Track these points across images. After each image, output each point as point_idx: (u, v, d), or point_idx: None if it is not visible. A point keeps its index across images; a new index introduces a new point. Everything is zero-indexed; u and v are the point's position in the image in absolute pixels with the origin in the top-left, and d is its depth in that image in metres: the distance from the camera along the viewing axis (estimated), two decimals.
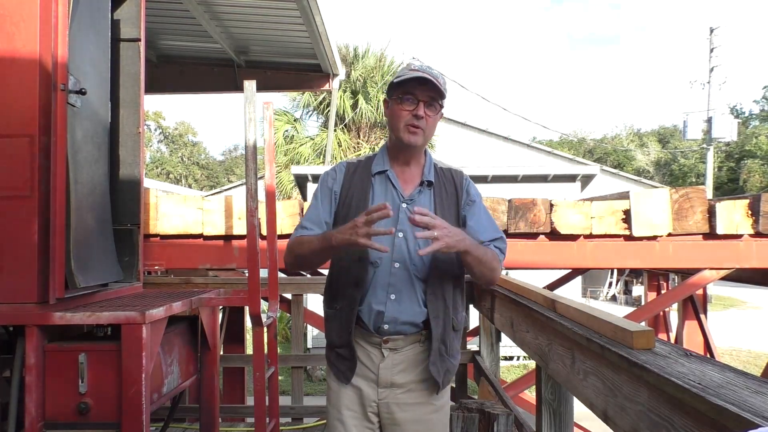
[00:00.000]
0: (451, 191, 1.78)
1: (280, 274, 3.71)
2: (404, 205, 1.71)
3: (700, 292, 4.78)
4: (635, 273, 16.77)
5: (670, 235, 3.58)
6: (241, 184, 17.61)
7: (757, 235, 3.54)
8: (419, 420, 1.73)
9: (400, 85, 1.67)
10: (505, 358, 11.51)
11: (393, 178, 1.74)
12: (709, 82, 21.86)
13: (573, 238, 3.66)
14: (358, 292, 1.67)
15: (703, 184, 22.90)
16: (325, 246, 1.61)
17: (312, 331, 11.22)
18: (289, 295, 3.91)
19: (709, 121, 21.15)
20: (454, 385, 3.82)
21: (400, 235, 1.68)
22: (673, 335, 5.49)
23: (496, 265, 1.72)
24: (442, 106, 1.71)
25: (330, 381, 1.80)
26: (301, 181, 12.87)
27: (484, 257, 1.66)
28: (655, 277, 5.71)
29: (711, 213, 3.54)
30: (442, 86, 1.66)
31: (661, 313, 5.38)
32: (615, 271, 18.82)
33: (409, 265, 1.68)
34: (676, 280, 5.19)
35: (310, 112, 16.75)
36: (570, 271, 5.27)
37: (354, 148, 15.53)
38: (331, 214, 1.76)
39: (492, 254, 1.71)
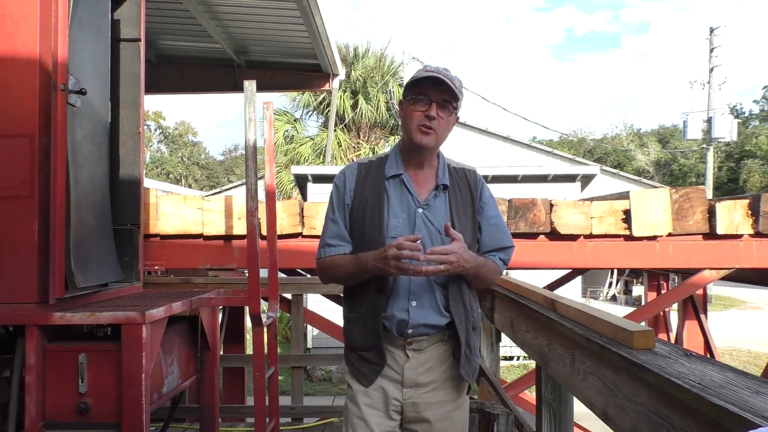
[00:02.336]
0: (466, 194, 1.77)
1: (280, 274, 3.71)
2: (420, 211, 1.70)
3: (700, 292, 4.78)
4: (635, 273, 16.77)
5: (670, 235, 3.58)
6: (241, 184, 17.60)
7: (757, 235, 3.54)
8: (444, 418, 1.74)
9: (415, 85, 1.66)
10: (505, 358, 11.51)
11: (408, 182, 1.72)
12: (709, 82, 21.84)
13: (573, 238, 3.66)
14: (381, 298, 1.68)
15: (703, 184, 22.90)
16: (362, 271, 1.66)
17: (312, 331, 11.22)
18: (289, 295, 3.91)
19: (709, 121, 21.14)
20: None
21: (418, 242, 1.67)
22: (673, 335, 5.49)
23: (492, 279, 1.80)
24: (456, 108, 1.70)
25: (350, 381, 1.78)
26: (301, 181, 12.86)
27: (484, 275, 1.74)
28: (655, 277, 5.71)
29: (711, 213, 3.54)
30: (458, 88, 1.65)
31: (661, 313, 5.37)
32: (615, 271, 18.81)
33: None
34: (676, 280, 5.19)
35: (310, 112, 16.77)
36: (570, 271, 5.27)
37: (354, 148, 15.53)
38: (348, 225, 1.76)
39: (491, 269, 1.77)
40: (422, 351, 1.71)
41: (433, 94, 1.65)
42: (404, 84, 1.77)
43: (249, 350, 4.12)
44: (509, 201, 3.59)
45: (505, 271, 3.69)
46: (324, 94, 14.50)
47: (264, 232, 2.98)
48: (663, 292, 5.62)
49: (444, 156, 1.82)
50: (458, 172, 1.79)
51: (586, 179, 12.75)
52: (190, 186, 38.64)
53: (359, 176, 1.76)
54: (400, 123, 1.81)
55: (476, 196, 1.77)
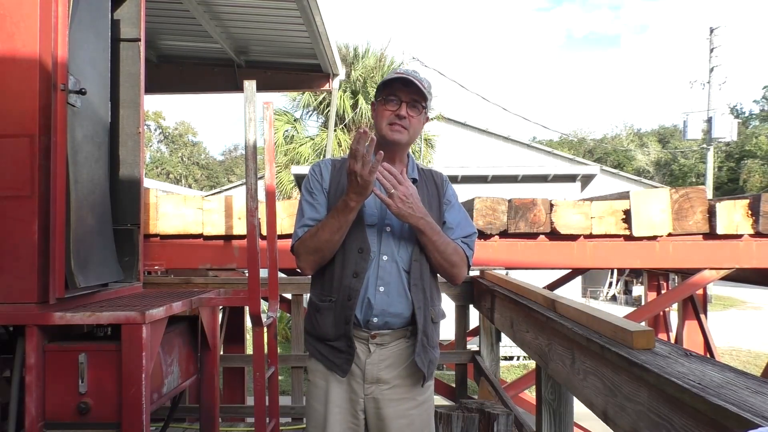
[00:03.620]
0: (433, 190, 1.85)
1: (280, 274, 3.71)
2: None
3: (700, 292, 4.78)
4: (635, 273, 16.77)
5: (670, 235, 3.58)
6: (241, 184, 17.60)
7: (757, 235, 3.54)
8: (403, 415, 1.75)
9: (385, 87, 1.74)
10: (505, 358, 11.51)
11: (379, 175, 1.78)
12: (709, 82, 21.86)
13: (573, 238, 3.66)
14: (358, 283, 1.70)
15: (703, 184, 22.90)
16: (343, 214, 1.63)
17: None
18: (289, 295, 3.91)
19: (709, 121, 21.15)
20: (453, 386, 3.83)
21: (388, 229, 1.74)
22: (673, 335, 5.49)
23: (456, 260, 1.76)
24: (425, 108, 1.77)
25: (315, 378, 1.80)
26: (301, 181, 12.87)
27: (441, 245, 1.71)
28: (655, 277, 5.71)
29: (711, 213, 3.54)
30: (426, 89, 1.73)
31: (661, 313, 5.37)
32: (615, 271, 18.82)
33: (396, 257, 1.73)
34: (676, 280, 5.19)
35: (310, 112, 16.75)
36: (570, 271, 5.27)
37: None
38: (326, 210, 1.77)
39: (453, 248, 1.75)
40: (385, 346, 1.74)
41: (403, 94, 1.72)
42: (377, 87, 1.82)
43: (249, 350, 4.12)
44: (509, 201, 3.59)
45: (505, 271, 3.71)
46: (324, 94, 14.50)
47: (264, 232, 2.98)
48: (663, 292, 5.62)
49: (413, 157, 1.91)
50: (426, 172, 1.89)
51: (586, 179, 12.77)
52: (190, 186, 38.66)
53: (333, 169, 1.82)
54: (372, 122, 1.86)
55: (442, 193, 1.85)
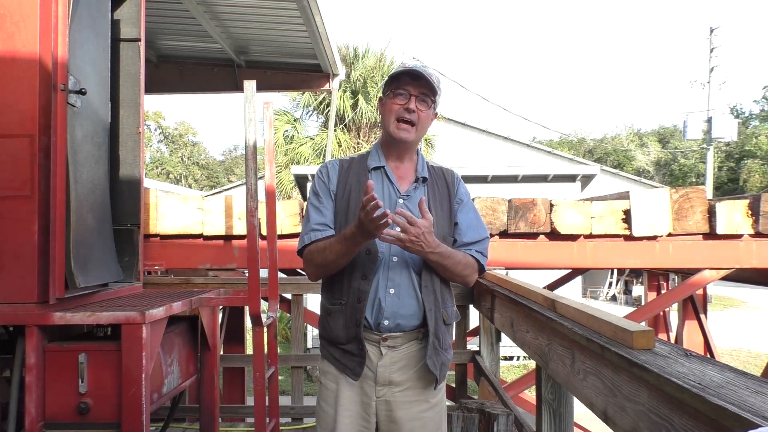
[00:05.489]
0: (443, 188, 1.82)
1: (280, 274, 3.71)
2: (401, 201, 1.74)
3: (700, 292, 4.78)
4: (635, 273, 16.78)
5: (670, 235, 3.58)
6: (241, 184, 17.60)
7: (757, 235, 3.54)
8: (416, 418, 1.74)
9: (393, 81, 1.71)
10: (505, 358, 11.51)
11: (390, 173, 1.77)
12: (709, 82, 21.87)
13: (573, 238, 3.66)
14: (367, 285, 1.68)
15: (703, 184, 22.91)
16: (351, 244, 1.61)
17: (312, 331, 11.22)
18: (289, 295, 3.91)
19: (709, 121, 21.15)
20: (454, 386, 3.82)
21: (397, 229, 1.69)
22: (673, 335, 5.49)
23: (467, 273, 1.76)
24: (434, 102, 1.74)
25: (326, 380, 1.79)
26: (301, 181, 12.87)
27: (451, 266, 1.70)
28: (655, 277, 5.71)
29: (711, 213, 3.54)
30: (435, 83, 1.70)
31: (661, 313, 5.37)
32: (615, 271, 18.83)
33: (407, 258, 1.71)
34: (676, 280, 5.19)
35: (310, 112, 16.76)
36: (570, 271, 5.27)
37: (354, 148, 15.53)
38: (333, 213, 1.77)
39: (462, 262, 1.73)
40: (396, 348, 1.72)
41: (412, 88, 1.69)
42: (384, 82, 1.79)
43: (249, 350, 4.11)
44: (509, 201, 3.59)
45: (505, 271, 3.71)
46: (324, 94, 14.50)
47: (264, 232, 2.98)
48: (663, 292, 5.62)
49: (423, 155, 1.88)
50: (436, 170, 1.86)
51: (586, 179, 12.77)
52: (190, 186, 38.66)
53: (341, 169, 1.80)
54: (379, 118, 1.84)
55: (453, 192, 1.82)
